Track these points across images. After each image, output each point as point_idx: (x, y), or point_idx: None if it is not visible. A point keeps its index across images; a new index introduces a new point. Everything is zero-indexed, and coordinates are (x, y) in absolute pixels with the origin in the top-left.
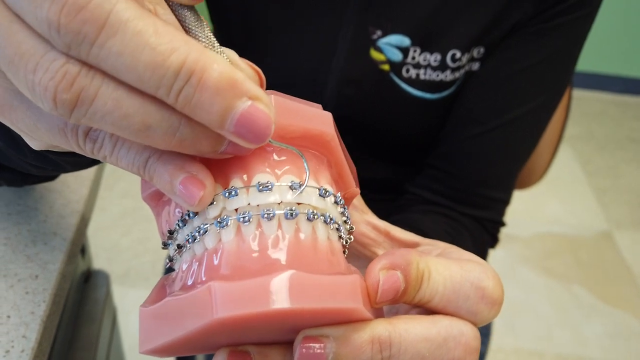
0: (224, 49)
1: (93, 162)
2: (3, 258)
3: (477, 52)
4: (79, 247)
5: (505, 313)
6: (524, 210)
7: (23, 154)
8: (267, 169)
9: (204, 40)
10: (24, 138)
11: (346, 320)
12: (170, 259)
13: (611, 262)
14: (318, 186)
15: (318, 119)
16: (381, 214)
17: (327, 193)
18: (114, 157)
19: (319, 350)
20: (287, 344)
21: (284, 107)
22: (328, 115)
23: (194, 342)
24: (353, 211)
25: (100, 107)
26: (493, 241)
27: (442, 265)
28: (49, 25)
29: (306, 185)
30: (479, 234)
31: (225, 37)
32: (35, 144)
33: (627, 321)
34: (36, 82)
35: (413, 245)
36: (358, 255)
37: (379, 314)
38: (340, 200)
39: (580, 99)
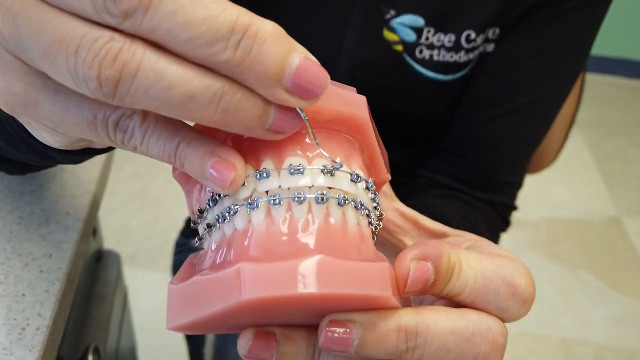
0: None
1: (89, 157)
2: (17, 237)
3: (492, 32)
4: (92, 227)
5: None
6: (532, 195)
7: (20, 150)
8: (299, 152)
9: None
10: (44, 137)
11: (373, 308)
12: (200, 238)
13: (619, 247)
14: (350, 171)
15: (352, 103)
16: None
17: (359, 178)
18: (144, 146)
19: (344, 335)
20: (313, 328)
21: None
22: (362, 99)
23: (220, 321)
24: (382, 197)
25: (143, 80)
26: (505, 225)
27: (474, 259)
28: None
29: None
30: (492, 218)
31: None
32: (58, 141)
33: (634, 307)
34: (79, 64)
35: (441, 236)
36: (384, 242)
37: (406, 303)
38: (372, 186)
39: (592, 82)
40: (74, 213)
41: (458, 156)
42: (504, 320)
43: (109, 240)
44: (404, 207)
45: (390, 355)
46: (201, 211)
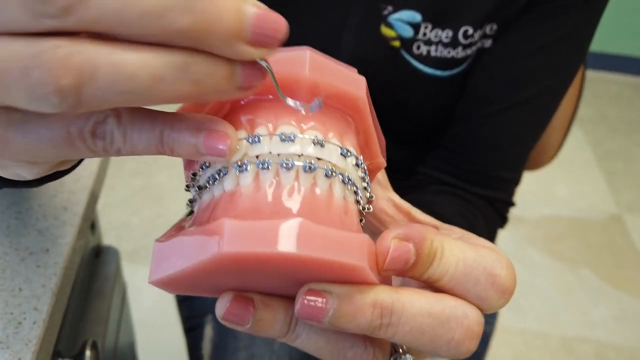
0: None
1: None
2: (15, 232)
3: (489, 28)
4: (89, 223)
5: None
6: (533, 192)
7: None
8: (293, 122)
9: None
10: (18, 173)
11: (350, 280)
12: (191, 201)
13: (620, 245)
14: (341, 145)
15: (352, 82)
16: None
17: (349, 153)
18: (128, 146)
19: (320, 305)
20: (291, 299)
21: (320, 64)
22: (362, 80)
23: (200, 279)
24: (376, 186)
25: (103, 77)
26: (502, 221)
27: (457, 247)
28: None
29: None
30: (490, 214)
31: None
32: (35, 172)
33: (634, 304)
34: (33, 84)
35: (432, 226)
36: (374, 231)
37: (386, 282)
38: (362, 164)
39: (594, 80)
40: (71, 208)
41: (456, 153)
42: (482, 310)
43: (110, 237)
44: (397, 198)
45: (364, 329)
46: (194, 175)
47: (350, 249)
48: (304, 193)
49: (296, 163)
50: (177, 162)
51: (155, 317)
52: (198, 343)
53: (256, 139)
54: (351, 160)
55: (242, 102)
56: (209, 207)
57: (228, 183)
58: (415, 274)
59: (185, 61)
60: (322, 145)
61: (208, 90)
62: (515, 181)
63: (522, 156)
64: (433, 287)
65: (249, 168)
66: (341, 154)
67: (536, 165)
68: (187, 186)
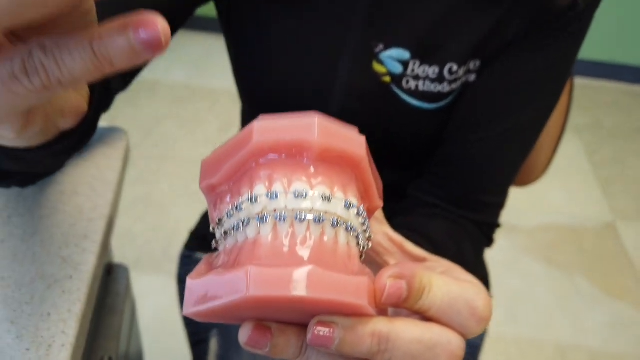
0: None
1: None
2: (40, 260)
3: (473, 64)
4: (107, 249)
5: (506, 302)
6: (528, 199)
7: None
8: (304, 178)
9: None
10: (8, 142)
11: (353, 314)
12: (217, 242)
13: (614, 253)
14: (345, 199)
15: (355, 143)
16: (387, 215)
17: (352, 205)
18: (65, 72)
19: (328, 334)
20: (303, 327)
21: (327, 129)
22: (362, 140)
23: (227, 313)
24: (373, 222)
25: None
26: (489, 242)
27: (443, 282)
28: None
29: None
30: (477, 236)
31: (241, 49)
32: (12, 132)
33: (628, 312)
34: None
35: (421, 260)
36: (372, 261)
37: (383, 313)
38: (363, 212)
39: (590, 88)
40: (90, 236)
41: (444, 178)
42: (463, 336)
43: (113, 245)
44: (392, 232)
45: (365, 355)
46: (220, 220)
47: (352, 290)
48: (314, 241)
49: (307, 216)
50: (179, 171)
51: (159, 325)
52: (204, 356)
53: (274, 196)
54: (353, 211)
55: (261, 161)
56: (234, 251)
57: (250, 231)
58: (408, 305)
59: None
60: (329, 200)
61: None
62: (500, 204)
63: (507, 181)
64: (422, 316)
65: (268, 220)
66: (345, 206)
67: (526, 182)
68: (213, 228)
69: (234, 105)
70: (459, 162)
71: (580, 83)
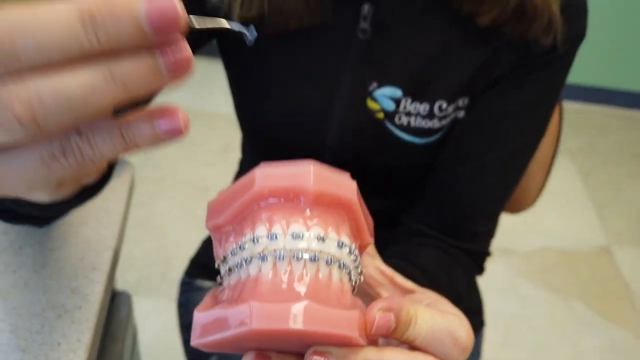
0: None
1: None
2: (50, 290)
3: (462, 102)
4: (113, 279)
5: (503, 326)
6: (524, 223)
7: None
8: (301, 220)
9: None
10: (36, 197)
11: (345, 344)
12: (222, 277)
13: (609, 277)
14: (337, 239)
15: (346, 188)
16: (381, 243)
17: (344, 245)
18: (97, 152)
19: None
20: (300, 355)
21: (321, 176)
22: (353, 184)
23: (231, 344)
24: (365, 256)
25: (49, 100)
26: (480, 270)
27: (428, 314)
28: None
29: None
30: (468, 264)
31: (241, 83)
32: (45, 195)
33: (624, 336)
34: (11, 127)
35: (410, 292)
36: (365, 293)
37: (374, 343)
38: (354, 250)
39: (584, 112)
40: (98, 267)
41: (436, 207)
42: None
43: None
44: (383, 266)
45: None
46: (225, 257)
47: (344, 323)
48: (310, 278)
49: (304, 255)
50: (177, 194)
51: (159, 349)
52: None
53: (274, 237)
54: (345, 250)
55: (262, 204)
56: (238, 287)
57: (252, 269)
58: (396, 336)
59: (108, 67)
60: (323, 240)
61: (139, 87)
62: (490, 233)
63: (496, 210)
64: (409, 346)
65: (268, 259)
66: (337, 245)
67: (519, 208)
68: (218, 265)
69: (233, 129)
70: (450, 192)
71: (574, 107)
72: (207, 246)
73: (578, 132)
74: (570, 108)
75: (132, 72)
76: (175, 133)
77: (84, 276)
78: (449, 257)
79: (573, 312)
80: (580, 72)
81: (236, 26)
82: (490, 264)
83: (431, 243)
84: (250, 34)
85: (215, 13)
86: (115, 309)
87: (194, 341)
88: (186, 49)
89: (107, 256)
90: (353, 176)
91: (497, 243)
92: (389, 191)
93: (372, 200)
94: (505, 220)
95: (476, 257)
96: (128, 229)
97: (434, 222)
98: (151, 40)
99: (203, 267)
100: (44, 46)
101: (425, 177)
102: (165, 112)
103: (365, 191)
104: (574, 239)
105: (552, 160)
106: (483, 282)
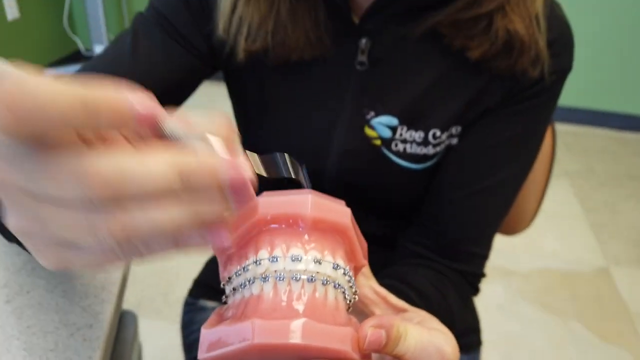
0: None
1: None
2: (63, 309)
3: (455, 130)
4: (122, 298)
5: (502, 347)
6: (523, 245)
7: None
8: (299, 244)
9: (190, 141)
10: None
11: (340, 358)
12: (226, 296)
13: (608, 298)
14: (333, 261)
15: (341, 214)
16: (378, 263)
17: (339, 267)
18: (151, 253)
19: None
20: None
21: (318, 204)
22: (348, 212)
23: (235, 358)
24: (360, 277)
25: (145, 231)
26: (474, 291)
27: (417, 331)
28: (89, 198)
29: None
30: (462, 285)
31: (243, 114)
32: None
33: (623, 357)
34: (99, 239)
35: (402, 310)
36: (360, 311)
37: (368, 358)
38: (348, 272)
39: (582, 135)
40: (108, 287)
41: (431, 230)
42: None
43: None
44: (377, 286)
45: None
46: (229, 278)
47: (339, 338)
48: (307, 297)
49: (302, 276)
50: None
51: None
52: None
53: (275, 259)
54: (340, 271)
55: (264, 230)
56: (241, 305)
57: (255, 288)
58: (387, 351)
59: (193, 208)
60: (320, 263)
61: (213, 222)
62: (483, 255)
63: (489, 233)
64: None
65: (269, 279)
66: (333, 267)
67: (515, 230)
68: (223, 285)
69: None
70: (444, 216)
71: (571, 130)
72: (210, 267)
73: (576, 154)
74: (568, 131)
75: (211, 212)
76: (221, 243)
77: (95, 295)
78: (444, 278)
79: (572, 332)
80: (578, 96)
81: (293, 173)
82: (490, 285)
83: (426, 264)
84: (306, 184)
85: (221, 46)
86: (121, 328)
87: (201, 355)
88: (252, 197)
89: (117, 277)
90: (352, 200)
91: (497, 264)
92: (387, 214)
93: (371, 223)
94: (505, 242)
95: (470, 278)
96: None
97: (429, 244)
98: (228, 195)
99: (206, 288)
100: (145, 189)
101: (422, 201)
102: (217, 228)
103: (364, 214)
104: (572, 260)
105: (546, 184)
106: (483, 302)
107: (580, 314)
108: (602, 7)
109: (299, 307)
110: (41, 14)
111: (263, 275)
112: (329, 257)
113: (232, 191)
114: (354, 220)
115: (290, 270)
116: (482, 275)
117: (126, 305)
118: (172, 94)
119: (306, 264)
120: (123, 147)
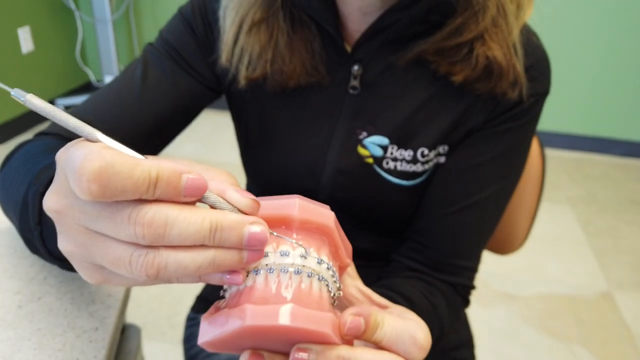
0: (230, 206)
1: None
2: (71, 314)
3: (442, 149)
4: (126, 305)
5: None
6: (526, 269)
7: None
8: (288, 243)
9: (222, 206)
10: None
11: (323, 341)
12: (224, 290)
13: (611, 322)
14: (317, 257)
15: (326, 217)
16: (372, 278)
17: (322, 262)
18: (177, 280)
19: (305, 357)
20: (287, 355)
21: (305, 207)
22: (332, 214)
23: (231, 342)
24: (347, 277)
25: (171, 269)
26: (465, 302)
27: (392, 319)
28: (136, 237)
29: (304, 255)
30: (452, 296)
31: (244, 136)
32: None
33: None
34: (133, 270)
35: (384, 307)
36: (345, 308)
37: (349, 344)
38: (332, 267)
39: (583, 161)
40: (113, 294)
41: (421, 244)
42: None
43: None
44: (362, 286)
45: None
46: None
47: (321, 321)
48: (294, 287)
49: (290, 269)
50: None
51: None
52: None
53: (266, 254)
54: (324, 266)
55: None
56: (236, 296)
57: (248, 280)
58: (366, 337)
59: (214, 254)
60: (305, 258)
61: (226, 267)
62: (473, 268)
63: (477, 248)
64: (377, 346)
65: (261, 272)
66: (317, 262)
67: (508, 250)
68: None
69: (239, 178)
70: (434, 232)
71: (573, 157)
72: (211, 284)
73: (578, 180)
74: (570, 157)
75: (227, 259)
76: (236, 284)
77: (101, 302)
78: (434, 289)
79: (575, 357)
80: (580, 123)
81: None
82: (492, 310)
83: (417, 277)
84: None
85: (224, 73)
86: (125, 341)
87: (201, 340)
88: (264, 248)
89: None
90: (346, 216)
91: (500, 289)
92: (379, 230)
93: (364, 238)
94: (508, 267)
95: (460, 290)
96: None
97: (420, 258)
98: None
99: (208, 303)
100: (181, 236)
101: (412, 218)
102: (231, 275)
103: (357, 230)
104: (575, 284)
105: (536, 207)
106: (486, 326)
107: (583, 339)
108: (602, 36)
109: (287, 294)
110: (54, 47)
111: (255, 269)
112: (314, 253)
113: (249, 245)
114: (337, 223)
115: (279, 264)
116: (472, 287)
117: None
118: (179, 117)
119: (293, 258)
120: (168, 202)
